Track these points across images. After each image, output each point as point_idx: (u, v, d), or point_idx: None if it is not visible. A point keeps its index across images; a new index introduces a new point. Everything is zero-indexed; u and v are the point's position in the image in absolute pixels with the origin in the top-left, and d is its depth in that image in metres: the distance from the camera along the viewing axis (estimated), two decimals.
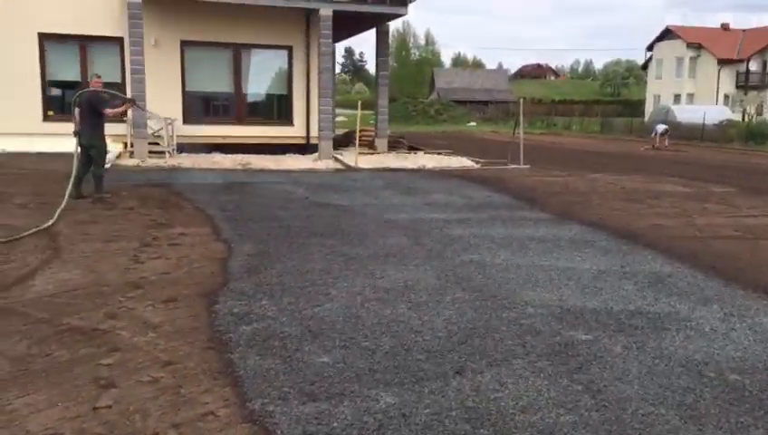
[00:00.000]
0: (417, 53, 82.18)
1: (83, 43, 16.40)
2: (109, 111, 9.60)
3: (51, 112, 16.32)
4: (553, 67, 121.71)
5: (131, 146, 15.13)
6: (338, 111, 40.04)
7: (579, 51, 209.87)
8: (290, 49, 17.54)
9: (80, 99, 9.46)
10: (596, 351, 4.27)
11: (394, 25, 76.14)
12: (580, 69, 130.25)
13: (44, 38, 16.14)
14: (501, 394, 3.60)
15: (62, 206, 8.26)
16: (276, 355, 4.04)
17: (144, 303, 4.93)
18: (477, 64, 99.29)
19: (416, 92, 69.30)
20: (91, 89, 9.60)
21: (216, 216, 8.57)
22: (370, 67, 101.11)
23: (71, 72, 16.56)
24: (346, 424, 3.22)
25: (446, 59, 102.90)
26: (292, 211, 9.06)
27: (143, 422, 3.18)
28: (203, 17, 16.57)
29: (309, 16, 17.18)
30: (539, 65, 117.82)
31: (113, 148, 15.54)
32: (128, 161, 14.34)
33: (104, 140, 9.70)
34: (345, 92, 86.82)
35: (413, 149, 19.18)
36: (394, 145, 18.86)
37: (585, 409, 3.45)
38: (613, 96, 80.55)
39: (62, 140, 14.99)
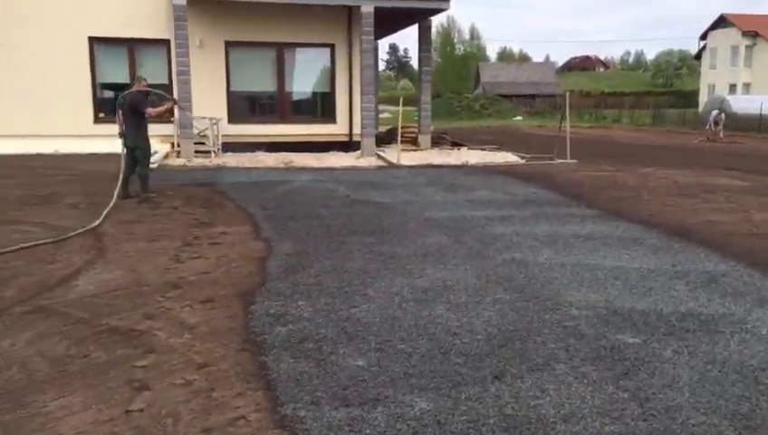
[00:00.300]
0: (462, 48, 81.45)
1: (131, 46, 16.72)
2: (150, 110, 9.72)
3: (101, 114, 16.68)
4: (602, 59, 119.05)
5: (178, 146, 15.36)
6: (382, 107, 40.09)
7: (629, 42, 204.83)
8: (332, 47, 17.54)
9: (123, 101, 9.61)
10: (644, 355, 4.07)
11: (438, 20, 75.55)
12: (630, 60, 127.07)
13: (95, 42, 16.54)
14: (542, 401, 3.45)
15: (110, 206, 8.40)
16: (310, 358, 3.97)
17: (182, 303, 4.93)
18: (524, 58, 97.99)
19: (461, 88, 68.75)
20: (134, 90, 9.75)
21: (257, 214, 8.58)
22: (415, 63, 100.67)
23: (120, 75, 16.89)
24: (378, 431, 3.12)
25: (492, 53, 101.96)
26: (333, 209, 9.01)
27: (174, 427, 3.15)
28: (246, 18, 16.70)
29: (351, 14, 17.15)
30: (587, 57, 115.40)
31: (161, 148, 15.85)
32: (174, 161, 14.56)
33: (148, 140, 9.84)
34: (390, 89, 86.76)
35: (456, 144, 18.97)
36: (437, 141, 18.67)
37: (631, 418, 3.28)
38: (665, 87, 78.39)
39: (113, 141, 15.28)
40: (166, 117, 10.17)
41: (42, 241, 6.85)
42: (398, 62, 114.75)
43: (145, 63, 16.89)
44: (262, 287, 5.35)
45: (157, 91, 10.31)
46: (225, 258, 6.26)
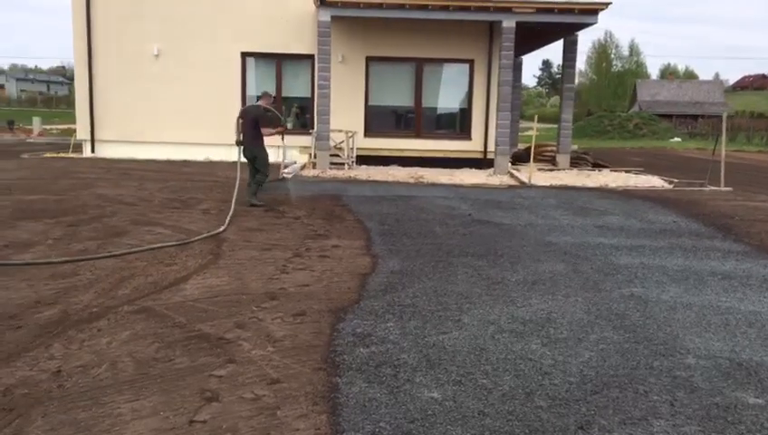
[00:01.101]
0: (620, 65, 77.83)
1: (279, 61, 17.58)
2: (265, 131, 10.22)
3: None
4: None
5: (314, 157, 15.86)
6: (529, 124, 39.12)
7: None
8: (471, 62, 17.36)
9: (245, 112, 10.14)
10: (765, 420, 3.50)
11: (594, 36, 72.62)
12: None
13: (246, 56, 17.57)
14: None
15: (230, 213, 8.80)
16: (384, 384, 3.81)
17: (274, 314, 4.97)
18: (689, 75, 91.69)
19: (615, 106, 65.62)
20: (260, 105, 10.29)
21: (374, 229, 8.58)
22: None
23: (267, 88, 17.79)
24: None
25: (654, 70, 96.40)
26: (450, 228, 8.80)
27: None
28: (387, 33, 16.98)
29: (492, 29, 16.89)
30: (763, 76, 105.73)
31: (300, 159, 16.48)
32: (309, 172, 15.04)
33: (265, 150, 10.26)
34: (541, 106, 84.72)
35: (598, 166, 18.00)
36: (577, 161, 17.83)
37: None
38: None
39: None
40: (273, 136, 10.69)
41: (167, 244, 7.26)
42: (551, 79, 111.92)
43: (290, 77, 17.72)
44: (356, 305, 5.27)
45: (275, 111, 10.75)
46: (329, 272, 6.27)
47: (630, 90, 70.64)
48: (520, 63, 22.88)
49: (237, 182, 9.85)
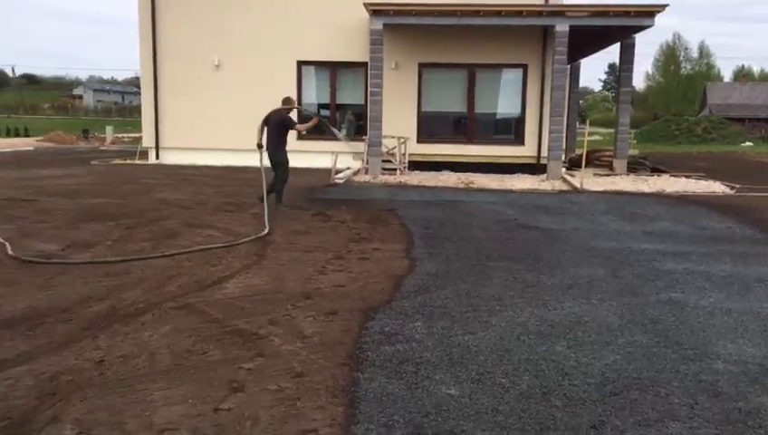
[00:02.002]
0: (689, 67, 75.36)
1: (333, 69, 17.94)
2: (299, 126, 10.54)
3: (304, 132, 18.06)
4: None
5: (367, 163, 16.10)
6: (592, 129, 38.41)
7: None
8: (525, 67, 17.28)
9: (269, 118, 10.28)
10: None
11: (662, 38, 70.62)
12: None
13: (302, 65, 18.00)
14: None
15: (266, 216, 9.08)
16: (403, 380, 3.93)
17: (307, 312, 5.16)
18: (765, 77, 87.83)
19: (684, 110, 63.59)
20: (282, 109, 10.46)
21: (417, 233, 8.69)
22: (636, 83, 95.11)
23: (322, 95, 18.23)
24: None
25: (727, 72, 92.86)
26: (493, 232, 8.83)
27: (249, 430, 3.30)
28: (440, 40, 17.10)
29: (546, 34, 16.78)
30: None
31: (353, 165, 16.75)
32: (361, 178, 15.27)
33: (286, 156, 10.47)
34: (606, 110, 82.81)
35: (657, 171, 17.58)
36: (634, 166, 17.47)
37: None
38: None
39: (313, 156, 16.61)
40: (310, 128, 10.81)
41: (213, 246, 7.58)
42: (617, 83, 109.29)
43: (344, 84, 18.04)
44: (387, 305, 5.40)
45: (306, 111, 10.99)
46: (366, 274, 6.43)
47: (700, 93, 68.36)
48: (578, 67, 22.57)
49: (264, 184, 10.10)
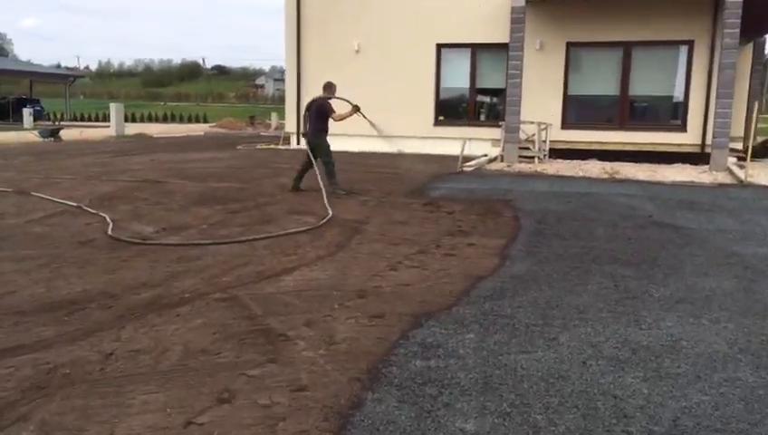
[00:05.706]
0: None
1: (474, 51, 17.12)
2: (335, 115, 10.12)
3: (441, 117, 17.50)
4: None
5: (503, 150, 15.17)
6: None
7: None
8: (690, 44, 15.32)
9: (311, 105, 10.23)
10: None
11: None
12: None
13: (441, 48, 17.39)
14: None
15: (325, 199, 9.05)
16: (416, 406, 3.29)
17: (352, 314, 4.64)
18: None
19: None
20: (323, 96, 10.26)
21: (526, 227, 7.83)
22: None
23: (461, 79, 17.49)
24: None
25: None
26: (616, 230, 7.72)
27: None
28: (591, 16, 15.66)
29: (717, 4, 14.71)
30: None
31: (491, 152, 15.92)
32: (495, 166, 14.41)
33: (326, 141, 10.32)
34: None
35: None
36: None
37: None
38: None
39: (449, 143, 15.99)
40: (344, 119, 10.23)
41: (295, 230, 7.33)
42: None
43: (484, 67, 17.17)
44: (446, 311, 4.74)
45: (341, 97, 10.39)
46: (442, 272, 5.78)
47: None
48: (762, 43, 19.71)
49: (317, 171, 9.92)
